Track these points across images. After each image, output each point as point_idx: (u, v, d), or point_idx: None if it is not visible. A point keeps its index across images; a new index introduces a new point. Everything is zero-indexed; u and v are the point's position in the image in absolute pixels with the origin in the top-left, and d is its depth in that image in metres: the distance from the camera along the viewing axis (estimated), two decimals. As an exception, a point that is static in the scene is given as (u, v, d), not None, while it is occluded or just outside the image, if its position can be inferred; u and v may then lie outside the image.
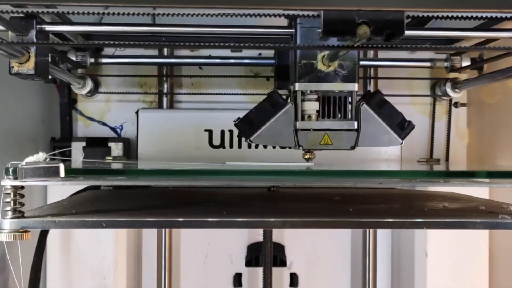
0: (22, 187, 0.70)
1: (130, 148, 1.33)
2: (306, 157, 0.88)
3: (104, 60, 1.25)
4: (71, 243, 1.23)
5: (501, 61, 1.05)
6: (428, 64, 1.28)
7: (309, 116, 0.84)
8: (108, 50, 1.30)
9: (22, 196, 0.71)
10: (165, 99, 1.34)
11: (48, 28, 0.86)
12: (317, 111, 0.84)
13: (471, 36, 0.98)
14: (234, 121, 0.86)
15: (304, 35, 0.83)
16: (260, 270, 1.32)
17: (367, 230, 1.34)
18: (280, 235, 1.40)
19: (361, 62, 1.31)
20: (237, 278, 1.41)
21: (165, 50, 1.31)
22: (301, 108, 0.84)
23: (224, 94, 1.33)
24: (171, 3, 0.61)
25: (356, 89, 0.84)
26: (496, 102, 1.26)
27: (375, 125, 0.85)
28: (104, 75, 1.32)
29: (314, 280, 1.43)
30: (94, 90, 1.31)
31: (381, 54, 1.32)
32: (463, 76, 1.33)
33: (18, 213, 0.70)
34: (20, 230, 0.69)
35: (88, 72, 1.28)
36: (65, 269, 1.23)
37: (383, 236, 1.41)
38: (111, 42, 0.69)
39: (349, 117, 0.85)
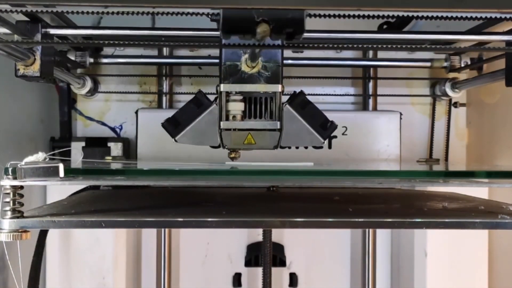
0: (21, 187, 0.70)
1: (130, 148, 1.33)
2: (231, 156, 0.90)
3: (104, 60, 1.25)
4: (71, 243, 1.23)
5: (501, 61, 1.05)
6: (427, 64, 1.28)
7: (234, 116, 0.85)
8: (107, 50, 1.30)
9: (22, 196, 0.71)
10: (164, 98, 1.34)
11: (52, 31, 0.88)
12: (243, 112, 0.85)
13: (465, 39, 1.00)
14: (162, 122, 0.87)
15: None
16: (259, 270, 1.32)
17: (367, 230, 1.34)
18: (280, 235, 1.40)
19: (361, 62, 1.32)
20: (237, 278, 1.41)
21: (165, 50, 1.31)
22: (225, 109, 0.85)
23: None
24: (171, 3, 0.61)
25: (280, 90, 0.85)
26: (496, 102, 1.26)
27: (298, 125, 0.86)
28: (104, 74, 1.32)
29: (314, 280, 1.43)
30: (94, 90, 1.31)
31: (381, 54, 1.32)
32: (462, 76, 1.33)
33: (18, 213, 0.70)
34: (20, 230, 0.69)
35: (87, 72, 1.28)
36: (64, 269, 1.23)
37: (383, 236, 1.41)
38: (111, 42, 0.69)
39: (274, 117, 0.86)
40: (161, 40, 1.01)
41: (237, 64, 0.84)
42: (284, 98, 0.86)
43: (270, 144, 0.86)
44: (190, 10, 0.64)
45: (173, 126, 0.86)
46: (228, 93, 0.85)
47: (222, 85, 0.84)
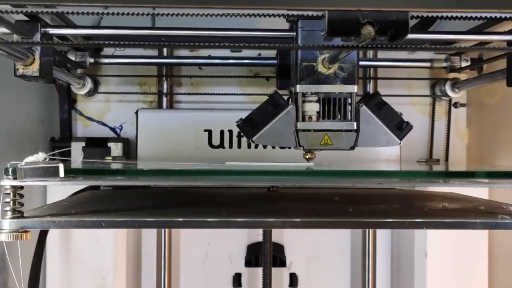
0: (21, 187, 0.70)
1: (130, 148, 1.33)
2: (307, 157, 0.90)
3: (104, 60, 1.25)
4: (71, 243, 1.23)
5: (501, 61, 1.05)
6: (427, 64, 1.28)
7: (310, 117, 0.86)
8: (107, 50, 1.30)
9: (22, 196, 0.71)
10: (164, 99, 1.34)
11: (52, 31, 0.88)
12: (318, 112, 0.85)
13: (466, 39, 1.00)
14: (236, 121, 0.87)
15: (305, 38, 0.84)
16: (259, 270, 1.32)
17: (367, 230, 1.34)
18: (280, 235, 1.40)
19: (361, 63, 1.32)
20: (237, 278, 1.41)
21: (165, 50, 1.31)
22: (302, 109, 0.86)
23: (224, 94, 1.33)
24: (171, 3, 0.61)
25: (356, 90, 0.85)
26: (496, 102, 1.26)
27: (374, 126, 0.86)
28: (104, 75, 1.32)
29: (314, 280, 1.43)
30: (94, 90, 1.31)
31: (381, 54, 1.32)
32: (462, 76, 1.33)
33: (18, 213, 0.70)
34: (20, 230, 0.69)
35: (87, 72, 1.28)
36: (64, 269, 1.23)
37: (383, 236, 1.41)
38: (111, 42, 0.69)
39: (349, 118, 0.86)
40: (161, 40, 1.01)
41: (313, 65, 0.84)
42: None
43: (347, 145, 0.86)
44: (266, 12, 0.64)
45: (249, 127, 0.86)
46: (304, 94, 0.85)
47: (298, 86, 0.85)
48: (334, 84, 0.85)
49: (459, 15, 0.65)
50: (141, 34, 0.93)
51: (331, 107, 0.86)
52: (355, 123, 0.86)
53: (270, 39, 0.91)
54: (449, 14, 0.65)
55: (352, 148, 0.87)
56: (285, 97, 0.89)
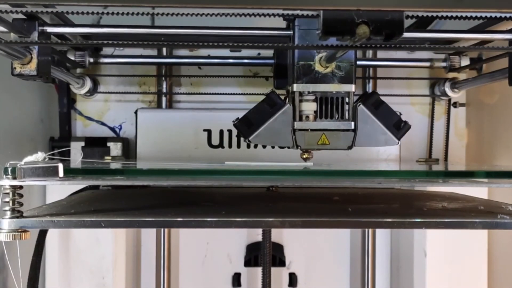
0: (21, 187, 0.70)
1: (129, 148, 1.33)
2: (304, 156, 0.89)
3: (103, 60, 1.25)
4: (70, 243, 1.23)
5: (500, 61, 1.05)
6: (427, 64, 1.28)
7: (307, 117, 0.85)
8: (107, 50, 1.30)
9: (21, 196, 0.71)
10: (164, 99, 1.34)
11: (50, 29, 0.87)
12: (315, 112, 0.85)
13: (467, 38, 0.99)
14: (233, 121, 0.87)
15: (302, 36, 0.84)
16: (259, 270, 1.32)
17: (366, 230, 1.34)
18: (279, 235, 1.40)
19: (360, 62, 1.31)
20: (236, 278, 1.41)
21: (164, 50, 1.31)
22: (299, 109, 0.85)
23: (223, 94, 1.33)
24: (170, 3, 0.61)
25: (353, 90, 0.85)
26: (495, 102, 1.26)
27: (372, 125, 0.86)
28: (103, 74, 1.32)
29: (313, 280, 1.43)
30: (93, 90, 1.31)
31: (380, 54, 1.32)
32: (462, 76, 1.33)
33: (17, 213, 0.70)
34: (19, 230, 0.69)
35: (87, 71, 1.28)
36: (64, 269, 1.23)
37: (382, 236, 1.41)
38: (110, 42, 0.69)
39: (346, 117, 0.86)
40: (160, 40, 1.01)
41: (310, 64, 0.84)
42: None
43: (344, 144, 0.86)
44: (262, 11, 0.64)
45: (245, 126, 0.86)
46: (301, 93, 0.85)
47: (295, 85, 0.84)
48: (331, 83, 0.84)
49: (458, 14, 0.65)
50: (140, 33, 0.93)
51: (329, 106, 0.85)
52: (352, 123, 0.86)
53: (268, 38, 0.91)
54: (448, 14, 0.65)
55: (350, 148, 0.86)
56: (282, 97, 0.89)
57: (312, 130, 0.85)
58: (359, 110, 0.85)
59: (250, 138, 0.85)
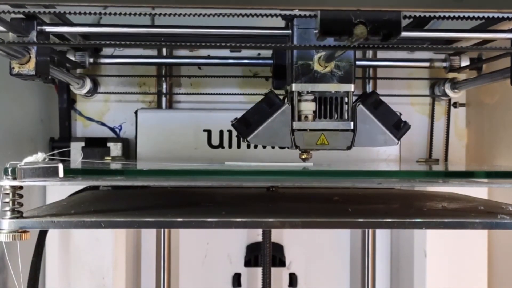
0: (21, 187, 0.70)
1: (129, 148, 1.33)
2: (303, 157, 0.89)
3: (103, 60, 1.25)
4: (70, 243, 1.23)
5: (500, 61, 1.05)
6: (427, 64, 1.28)
7: (306, 117, 0.85)
8: (107, 50, 1.30)
9: (21, 196, 0.71)
10: (164, 99, 1.34)
11: (48, 29, 0.87)
12: (314, 112, 0.85)
13: (468, 37, 0.99)
14: (231, 121, 0.86)
15: (300, 36, 0.84)
16: (259, 270, 1.32)
17: (366, 230, 1.34)
18: (279, 235, 1.40)
19: (360, 62, 1.32)
20: (236, 278, 1.41)
21: (164, 50, 1.31)
22: (297, 109, 0.85)
23: (223, 94, 1.33)
24: (170, 3, 0.61)
25: (352, 89, 0.85)
26: (495, 102, 1.26)
27: (371, 125, 0.86)
28: (103, 75, 1.32)
29: (313, 280, 1.43)
30: (93, 90, 1.31)
31: (380, 54, 1.32)
32: (462, 76, 1.33)
33: (17, 213, 0.70)
34: (19, 230, 0.69)
35: (87, 72, 1.28)
36: (64, 269, 1.23)
37: (382, 236, 1.41)
38: (110, 42, 0.69)
39: (346, 117, 0.85)
40: (160, 40, 1.01)
41: (309, 63, 0.84)
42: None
43: (343, 144, 0.86)
44: (260, 12, 0.64)
45: (244, 126, 0.86)
46: (299, 93, 0.84)
47: (294, 84, 0.84)
48: (330, 83, 0.84)
49: (457, 15, 0.65)
50: (140, 33, 0.93)
51: (328, 106, 0.85)
52: (351, 123, 0.85)
53: (267, 38, 0.91)
54: (447, 14, 0.65)
55: (349, 148, 0.86)
56: (281, 97, 0.89)
57: (311, 130, 0.85)
58: (358, 110, 0.85)
59: (248, 138, 0.85)
